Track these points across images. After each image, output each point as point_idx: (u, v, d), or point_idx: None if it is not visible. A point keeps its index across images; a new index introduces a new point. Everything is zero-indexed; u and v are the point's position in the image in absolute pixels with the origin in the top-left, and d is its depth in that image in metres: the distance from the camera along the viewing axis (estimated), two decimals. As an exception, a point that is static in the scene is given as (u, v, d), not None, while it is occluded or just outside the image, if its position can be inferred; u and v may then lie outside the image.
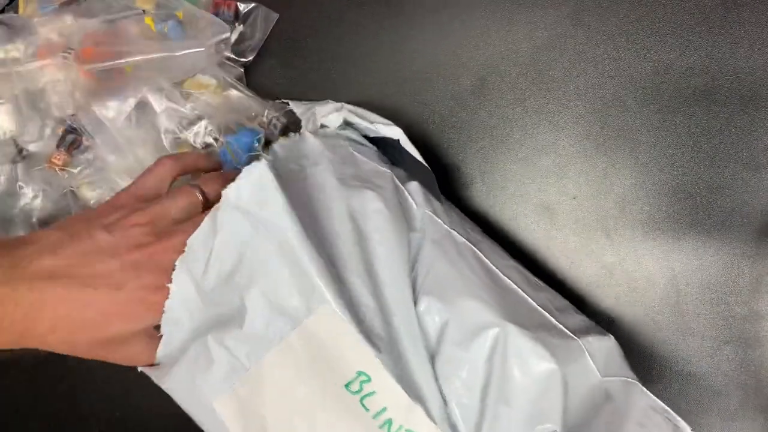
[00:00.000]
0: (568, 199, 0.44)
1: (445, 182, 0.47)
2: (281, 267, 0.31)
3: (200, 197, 0.36)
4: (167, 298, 0.33)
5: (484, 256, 0.36)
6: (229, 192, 0.33)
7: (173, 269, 0.33)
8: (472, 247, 0.36)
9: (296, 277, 0.31)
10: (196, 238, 0.33)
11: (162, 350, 0.34)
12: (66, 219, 0.36)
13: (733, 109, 0.41)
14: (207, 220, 0.33)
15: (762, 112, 0.41)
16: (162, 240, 0.34)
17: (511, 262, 0.39)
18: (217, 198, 0.35)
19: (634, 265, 0.43)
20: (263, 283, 0.32)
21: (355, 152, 0.39)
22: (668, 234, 0.42)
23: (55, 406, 0.52)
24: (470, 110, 0.46)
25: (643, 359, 0.43)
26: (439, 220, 0.37)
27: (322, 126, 0.41)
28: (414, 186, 0.38)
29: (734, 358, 0.41)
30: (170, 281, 0.33)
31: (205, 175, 0.39)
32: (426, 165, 0.39)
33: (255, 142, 0.46)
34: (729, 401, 0.41)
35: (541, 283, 0.39)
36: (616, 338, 0.43)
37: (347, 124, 0.42)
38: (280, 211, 0.32)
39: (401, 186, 0.37)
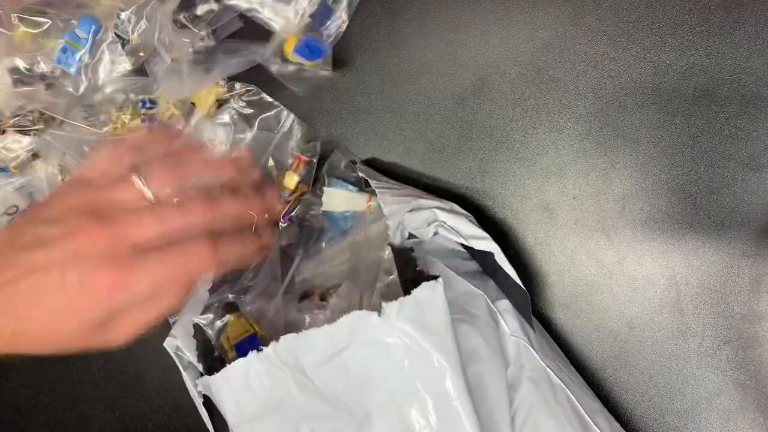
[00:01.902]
0: (568, 199, 0.44)
1: (445, 182, 0.47)
2: (426, 394, 0.30)
3: (146, 193, 0.34)
4: (115, 280, 0.31)
5: (577, 399, 0.36)
6: (392, 307, 0.30)
7: (120, 254, 0.32)
8: (567, 390, 0.36)
9: (441, 410, 0.30)
10: (321, 335, 0.30)
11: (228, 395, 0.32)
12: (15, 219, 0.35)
13: (733, 109, 0.41)
14: (344, 322, 0.30)
15: (762, 112, 0.41)
16: (104, 225, 0.32)
17: (597, 405, 0.39)
18: (163, 191, 0.34)
19: (634, 264, 0.43)
20: (403, 402, 0.30)
21: (448, 269, 0.37)
22: (668, 234, 0.42)
23: (55, 406, 0.52)
24: (470, 110, 0.46)
25: (642, 359, 0.43)
26: (536, 355, 0.36)
27: (411, 236, 0.40)
28: (505, 306, 0.37)
29: (734, 357, 0.41)
30: (117, 264, 0.31)
31: (156, 168, 0.35)
32: (522, 286, 0.37)
33: (92, 25, 0.46)
34: (729, 401, 0.41)
35: (619, 427, 0.40)
36: (616, 338, 0.43)
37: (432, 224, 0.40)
38: (444, 343, 0.30)
39: (494, 308, 0.36)
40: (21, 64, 0.47)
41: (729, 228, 0.41)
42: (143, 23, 0.47)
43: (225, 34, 0.50)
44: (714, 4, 0.42)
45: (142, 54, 0.47)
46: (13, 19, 0.46)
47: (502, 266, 0.37)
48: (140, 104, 0.48)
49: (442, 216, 0.38)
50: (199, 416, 0.38)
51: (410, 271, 0.35)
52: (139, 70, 0.50)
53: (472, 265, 0.40)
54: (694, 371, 0.42)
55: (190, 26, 0.49)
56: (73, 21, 0.46)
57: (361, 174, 0.42)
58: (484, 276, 0.39)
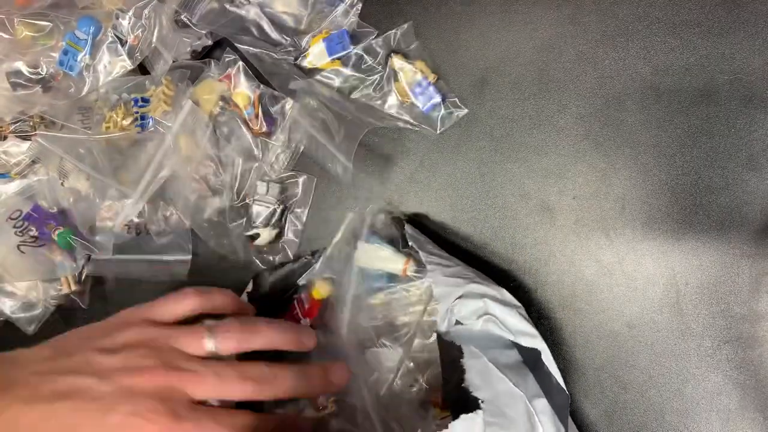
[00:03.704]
0: (568, 199, 0.44)
1: (445, 183, 0.47)
2: None
3: (210, 347, 0.33)
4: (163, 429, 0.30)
5: None
6: None
7: (176, 403, 0.30)
8: None
9: None
10: None
11: None
12: (62, 335, 0.33)
13: (733, 109, 0.41)
14: None
15: (762, 112, 0.41)
16: (167, 371, 0.31)
17: None
18: (228, 352, 0.33)
19: (633, 264, 0.43)
20: None
21: (490, 364, 0.36)
22: (668, 234, 0.42)
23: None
24: (470, 110, 0.46)
25: (642, 359, 0.43)
26: None
27: (458, 322, 0.39)
28: (543, 406, 0.36)
29: (733, 357, 0.41)
30: (172, 414, 0.30)
31: (224, 325, 0.35)
32: (564, 388, 0.37)
33: (92, 26, 0.46)
34: (728, 401, 0.41)
35: None
36: (616, 338, 0.43)
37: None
38: None
39: (532, 410, 0.36)
40: (24, 67, 0.47)
41: (729, 228, 0.41)
42: (143, 23, 0.47)
43: (225, 34, 0.50)
44: (714, 4, 0.42)
45: (138, 55, 0.47)
46: (15, 23, 0.46)
47: (548, 366, 0.37)
48: (132, 103, 0.48)
49: (493, 308, 0.38)
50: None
51: (455, 377, 0.35)
52: (138, 70, 0.50)
53: (514, 355, 0.39)
54: (694, 371, 0.42)
55: (191, 26, 0.49)
56: (73, 22, 0.46)
57: (410, 242, 0.41)
58: (524, 368, 0.39)
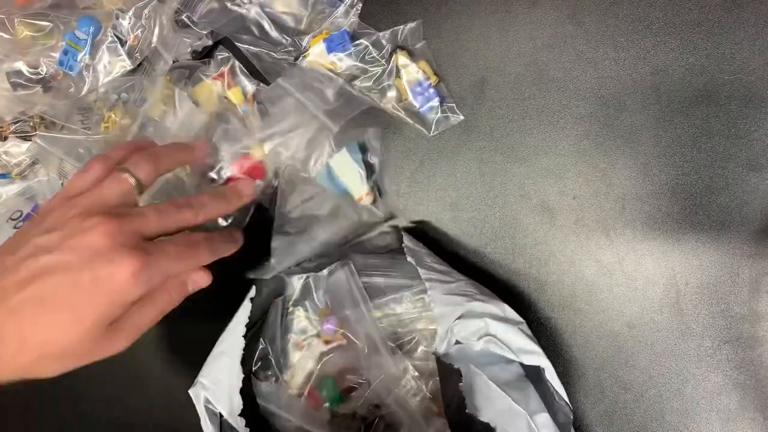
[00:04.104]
0: (568, 199, 0.44)
1: (445, 183, 0.47)
2: None
3: (132, 180, 0.35)
4: (138, 268, 0.31)
5: None
6: None
7: (135, 244, 0.32)
8: None
9: None
10: None
11: None
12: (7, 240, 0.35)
13: (733, 109, 0.41)
14: None
15: (762, 112, 0.41)
16: (112, 220, 0.32)
17: None
18: (149, 179, 0.35)
19: (633, 264, 0.43)
20: None
21: (491, 383, 0.36)
22: (668, 234, 0.42)
23: (55, 406, 0.52)
24: (470, 110, 0.46)
25: (642, 359, 0.43)
26: None
27: (457, 342, 0.39)
28: (545, 420, 0.36)
29: (733, 357, 0.41)
30: (137, 252, 0.31)
31: (133, 157, 0.37)
32: (568, 403, 0.37)
33: (92, 26, 0.46)
34: (728, 401, 0.41)
35: None
36: (616, 338, 0.43)
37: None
38: None
39: (534, 426, 0.36)
40: (24, 67, 0.47)
41: (729, 228, 0.41)
42: (143, 23, 0.47)
43: (226, 33, 0.50)
44: (714, 4, 0.42)
45: (138, 55, 0.47)
46: (15, 23, 0.46)
47: (551, 382, 0.36)
48: (132, 103, 0.48)
49: (494, 328, 0.38)
50: (199, 416, 0.38)
51: (455, 401, 0.35)
52: (138, 70, 0.50)
53: (515, 368, 0.39)
54: (694, 371, 0.42)
55: (192, 26, 0.49)
56: (73, 22, 0.46)
57: (408, 257, 0.41)
58: (525, 381, 0.39)
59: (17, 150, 0.49)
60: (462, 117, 0.46)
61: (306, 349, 0.41)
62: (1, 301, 0.30)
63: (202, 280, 0.37)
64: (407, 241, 0.43)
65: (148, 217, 0.34)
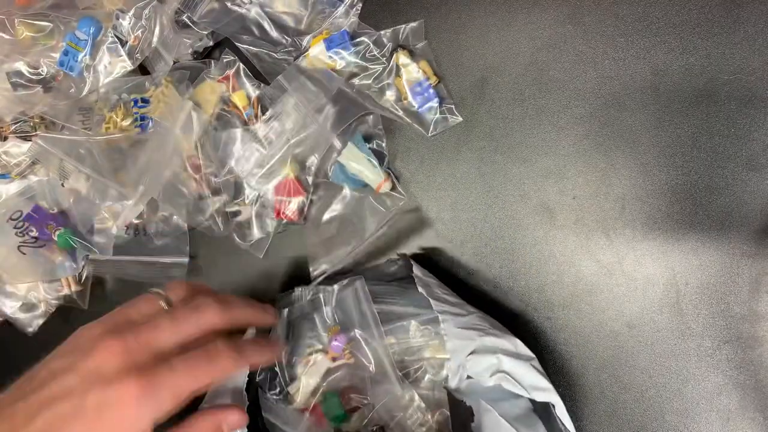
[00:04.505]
0: (568, 199, 0.44)
1: (445, 183, 0.47)
2: None
3: (162, 304, 0.34)
4: (142, 392, 0.29)
5: None
6: None
7: (142, 363, 0.30)
8: None
9: None
10: None
11: None
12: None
13: (733, 109, 0.41)
14: None
15: (762, 112, 0.41)
16: (121, 337, 0.30)
17: None
18: (180, 302, 0.33)
19: (633, 264, 0.43)
20: None
21: (501, 419, 0.36)
22: (668, 234, 0.42)
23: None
24: (470, 110, 0.46)
25: (642, 359, 0.43)
26: None
27: (469, 377, 0.39)
28: None
29: (733, 357, 0.41)
30: (140, 374, 0.30)
31: (170, 283, 0.36)
32: None
33: (92, 26, 0.46)
34: (728, 401, 0.41)
35: None
36: (616, 338, 0.43)
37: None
38: None
39: None
40: (24, 67, 0.47)
41: (729, 228, 0.41)
42: (143, 24, 0.47)
43: (226, 33, 0.50)
44: (714, 4, 0.42)
45: (138, 55, 0.47)
46: (16, 23, 0.46)
47: (561, 419, 0.36)
48: (132, 103, 0.48)
49: (506, 364, 0.38)
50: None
51: None
52: (138, 71, 0.50)
53: (524, 403, 0.39)
54: (694, 371, 0.42)
55: (192, 26, 0.49)
56: (73, 22, 0.46)
57: (420, 289, 0.40)
58: (534, 417, 0.39)
59: (17, 150, 0.49)
60: (460, 118, 0.46)
61: (312, 365, 0.41)
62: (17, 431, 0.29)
63: (237, 421, 0.33)
64: (417, 271, 0.42)
65: (160, 327, 0.32)
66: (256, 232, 0.49)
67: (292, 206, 0.47)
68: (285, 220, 0.48)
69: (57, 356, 0.31)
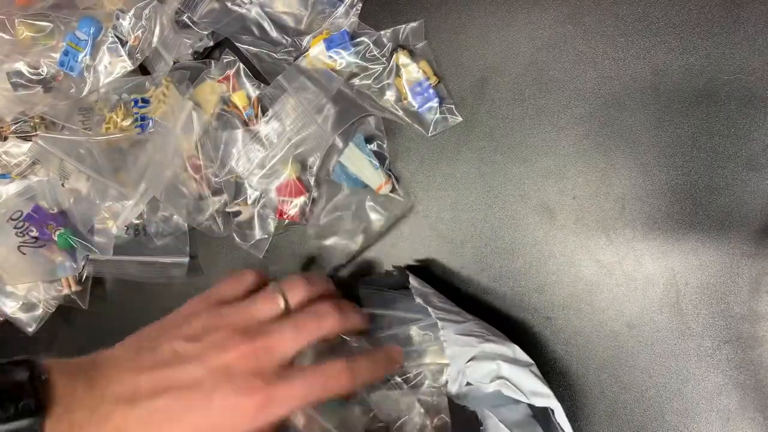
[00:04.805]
0: (568, 199, 0.44)
1: (445, 183, 0.47)
2: None
3: (281, 305, 0.35)
4: (263, 403, 0.30)
5: None
6: None
7: (268, 372, 0.31)
8: None
9: None
10: None
11: None
12: (136, 333, 0.34)
13: (733, 109, 0.41)
14: None
15: (762, 112, 0.41)
16: (252, 341, 0.31)
17: None
18: (298, 306, 0.34)
19: (633, 264, 0.43)
20: None
21: (501, 425, 0.37)
22: (668, 234, 0.42)
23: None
24: (470, 110, 0.46)
25: (642, 359, 0.43)
26: None
27: (468, 383, 0.39)
28: None
29: (733, 357, 0.41)
30: (266, 384, 0.31)
31: (288, 281, 0.37)
32: None
33: (92, 26, 0.46)
34: (728, 401, 0.41)
35: None
36: (616, 338, 0.43)
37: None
38: None
39: None
40: (24, 67, 0.47)
41: (729, 228, 0.41)
42: (143, 24, 0.47)
43: (226, 33, 0.50)
44: (714, 4, 0.42)
45: (138, 55, 0.47)
46: (16, 23, 0.47)
47: (561, 424, 0.37)
48: (132, 103, 0.48)
49: (506, 371, 0.38)
50: None
51: None
52: (139, 71, 0.50)
53: (523, 409, 0.39)
54: (694, 371, 0.42)
55: (192, 26, 0.49)
56: (73, 22, 0.47)
57: (417, 299, 0.41)
58: (533, 422, 0.39)
59: (17, 150, 0.49)
60: (460, 119, 0.46)
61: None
62: (133, 404, 0.29)
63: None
64: (413, 282, 0.42)
65: (285, 335, 0.33)
66: (257, 233, 0.49)
67: (294, 206, 0.47)
68: (287, 221, 0.48)
69: (181, 338, 0.32)
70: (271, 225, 0.49)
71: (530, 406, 0.38)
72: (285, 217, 0.48)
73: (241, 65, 0.49)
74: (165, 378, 0.30)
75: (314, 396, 0.33)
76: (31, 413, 0.27)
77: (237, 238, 0.50)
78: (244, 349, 0.31)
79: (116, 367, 0.31)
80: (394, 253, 0.48)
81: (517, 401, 0.38)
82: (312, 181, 0.48)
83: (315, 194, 0.48)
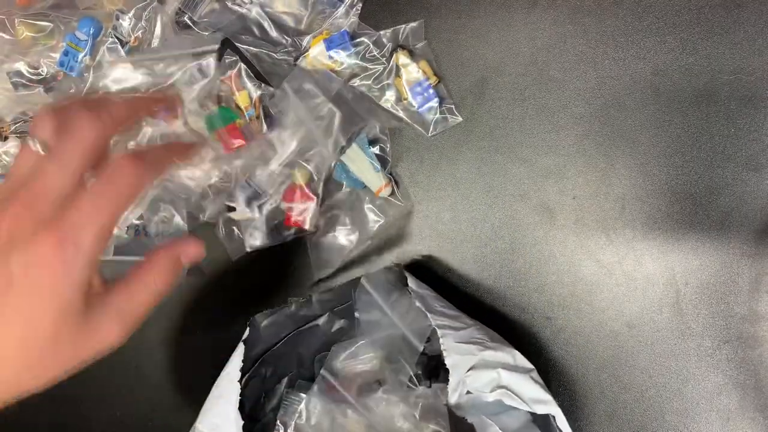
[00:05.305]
0: (568, 199, 0.44)
1: (445, 183, 0.47)
2: None
3: (40, 149, 0.29)
4: (56, 244, 0.26)
5: None
6: None
7: (48, 215, 0.27)
8: None
9: None
10: None
11: None
12: None
13: (733, 109, 0.41)
14: None
15: (762, 112, 0.41)
16: (16, 197, 0.27)
17: None
18: (55, 136, 0.29)
19: (633, 264, 0.43)
20: None
21: None
22: (668, 234, 0.42)
23: (56, 405, 0.52)
24: (470, 110, 0.46)
25: (642, 359, 0.43)
26: None
27: (468, 392, 0.39)
28: None
29: (733, 357, 0.41)
30: (49, 226, 0.27)
31: (35, 118, 0.31)
32: None
33: (92, 27, 0.46)
34: (728, 401, 0.41)
35: None
36: (616, 338, 0.43)
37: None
38: None
39: None
40: (24, 68, 0.47)
41: (729, 228, 0.41)
42: (143, 24, 0.47)
43: (227, 34, 0.50)
44: (714, 4, 0.42)
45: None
46: (16, 23, 0.47)
47: (562, 430, 0.36)
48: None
49: (506, 379, 0.37)
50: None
51: None
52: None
53: (523, 416, 0.39)
54: (694, 371, 0.42)
55: (192, 26, 0.49)
56: (73, 22, 0.47)
57: (416, 303, 0.40)
58: (533, 428, 0.39)
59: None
60: (460, 118, 0.46)
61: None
62: None
63: (194, 252, 0.32)
64: (412, 284, 0.42)
65: (47, 173, 0.28)
66: (261, 238, 0.49)
67: (301, 212, 0.47)
68: (294, 228, 0.48)
69: None
70: (278, 231, 0.49)
71: (531, 412, 0.38)
72: (293, 223, 0.48)
73: (243, 65, 0.49)
74: None
75: (111, 205, 0.28)
76: None
77: (222, 232, 0.49)
78: (14, 209, 0.27)
79: None
80: (394, 252, 0.48)
81: (518, 408, 0.38)
82: (320, 188, 0.48)
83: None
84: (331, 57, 0.47)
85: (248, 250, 0.49)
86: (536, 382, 0.38)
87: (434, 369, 0.37)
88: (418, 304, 0.40)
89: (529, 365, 0.39)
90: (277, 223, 0.49)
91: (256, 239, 0.49)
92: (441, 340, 0.38)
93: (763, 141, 0.41)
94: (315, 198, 0.47)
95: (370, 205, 0.47)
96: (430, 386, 0.41)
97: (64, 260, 0.27)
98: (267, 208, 0.48)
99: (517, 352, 0.39)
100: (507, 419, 0.38)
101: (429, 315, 0.39)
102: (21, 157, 0.30)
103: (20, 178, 0.29)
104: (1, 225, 0.27)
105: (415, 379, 0.42)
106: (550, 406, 0.37)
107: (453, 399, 0.38)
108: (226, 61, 0.50)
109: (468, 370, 0.38)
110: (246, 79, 0.49)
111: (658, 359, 0.42)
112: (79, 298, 0.28)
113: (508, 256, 0.46)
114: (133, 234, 0.51)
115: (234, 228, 0.49)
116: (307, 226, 0.47)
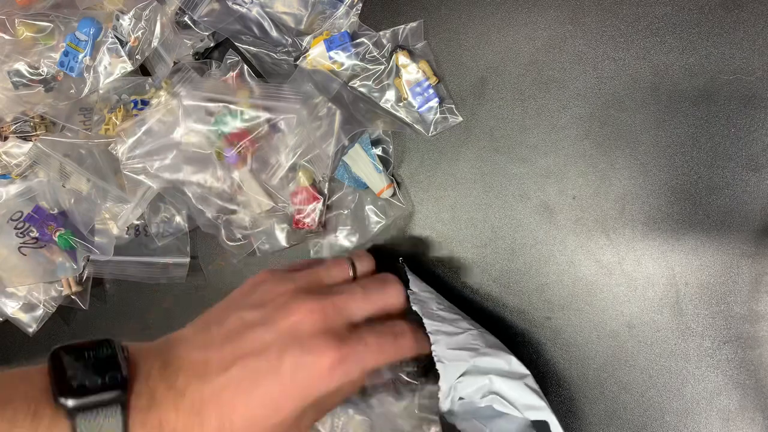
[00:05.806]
0: (568, 199, 0.44)
1: (445, 183, 0.47)
2: None
3: (350, 273, 0.34)
4: (336, 361, 0.29)
5: None
6: None
7: (338, 330, 0.30)
8: None
9: None
10: None
11: None
12: (207, 311, 0.33)
13: (733, 109, 0.41)
14: None
15: (762, 112, 0.41)
16: (318, 299, 0.30)
17: None
18: (365, 274, 0.34)
19: (633, 264, 0.43)
20: None
21: None
22: (668, 234, 0.42)
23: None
24: (470, 110, 0.46)
25: (642, 359, 0.43)
26: None
27: (460, 398, 0.39)
28: None
29: (733, 357, 0.41)
30: (337, 342, 0.29)
31: (357, 252, 0.37)
32: None
33: (92, 27, 0.46)
34: (728, 401, 0.41)
35: None
36: (616, 338, 0.43)
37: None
38: None
39: None
40: (24, 68, 0.47)
41: (729, 228, 0.41)
42: (143, 25, 0.47)
43: (227, 34, 0.50)
44: (714, 4, 0.42)
45: (138, 56, 0.47)
46: (16, 23, 0.47)
47: None
48: (132, 105, 0.48)
49: (498, 385, 0.37)
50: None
51: None
52: (139, 71, 0.50)
53: (521, 420, 0.39)
54: (694, 371, 0.42)
55: (193, 26, 0.49)
56: (73, 23, 0.47)
57: (413, 306, 0.40)
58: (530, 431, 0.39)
59: (18, 150, 0.49)
60: (461, 119, 0.46)
61: None
62: (205, 378, 0.29)
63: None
64: (413, 287, 0.42)
65: (354, 296, 0.32)
66: (268, 239, 0.49)
67: (309, 213, 0.47)
68: (304, 229, 0.48)
69: (247, 307, 0.31)
70: (285, 233, 0.49)
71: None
72: (300, 225, 0.47)
73: (244, 66, 0.49)
74: (233, 349, 0.30)
75: (388, 355, 0.32)
76: (116, 386, 0.27)
77: (223, 233, 0.49)
78: (311, 306, 0.30)
79: (187, 344, 0.30)
80: (394, 252, 0.48)
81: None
82: (326, 187, 0.48)
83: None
84: (331, 58, 0.47)
85: (258, 255, 0.49)
86: (530, 387, 0.37)
87: (436, 369, 0.37)
88: (415, 307, 0.39)
89: (524, 371, 0.39)
90: (287, 226, 0.49)
91: (265, 244, 0.49)
92: (433, 347, 0.37)
93: (763, 141, 0.41)
94: (321, 198, 0.47)
95: (372, 206, 0.47)
96: (433, 385, 0.41)
97: (330, 378, 0.29)
98: (276, 212, 0.48)
99: (513, 357, 0.39)
100: (503, 423, 0.38)
101: (425, 320, 0.38)
102: (332, 267, 0.34)
103: (320, 280, 0.33)
104: (292, 311, 0.30)
105: (416, 379, 0.42)
106: (543, 413, 0.36)
107: (445, 406, 0.38)
108: (228, 61, 0.50)
109: (459, 377, 0.37)
110: (248, 80, 0.49)
111: (658, 359, 0.42)
112: (307, 407, 0.30)
113: (507, 256, 0.46)
114: (134, 234, 0.51)
115: (234, 230, 0.49)
116: (315, 227, 0.48)
